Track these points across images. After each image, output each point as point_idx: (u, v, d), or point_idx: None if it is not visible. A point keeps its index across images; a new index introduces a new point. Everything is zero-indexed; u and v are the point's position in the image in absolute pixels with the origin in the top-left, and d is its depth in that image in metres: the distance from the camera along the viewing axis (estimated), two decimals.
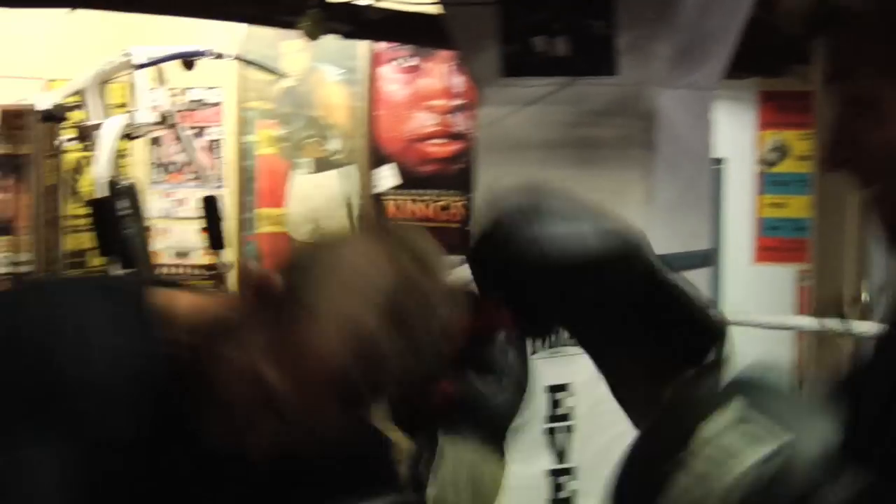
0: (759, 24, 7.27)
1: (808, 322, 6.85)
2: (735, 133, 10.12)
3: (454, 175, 8.05)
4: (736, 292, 9.85)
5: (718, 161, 9.96)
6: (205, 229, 7.98)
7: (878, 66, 1.82)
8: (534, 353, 4.42)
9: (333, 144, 8.84)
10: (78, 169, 9.08)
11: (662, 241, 4.98)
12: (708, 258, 5.38)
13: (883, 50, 1.85)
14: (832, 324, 6.04)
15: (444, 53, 7.47)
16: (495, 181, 5.15)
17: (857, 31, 1.87)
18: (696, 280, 5.23)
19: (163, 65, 7.74)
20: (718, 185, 9.93)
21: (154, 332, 2.00)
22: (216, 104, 9.33)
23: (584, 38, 4.87)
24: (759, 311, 9.09)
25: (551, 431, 4.63)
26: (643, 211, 4.95)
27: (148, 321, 2.02)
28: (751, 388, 1.71)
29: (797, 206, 8.68)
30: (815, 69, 6.94)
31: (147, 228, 7.96)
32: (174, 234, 9.44)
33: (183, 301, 2.08)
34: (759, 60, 8.91)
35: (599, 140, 5.00)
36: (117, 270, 7.18)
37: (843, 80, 1.82)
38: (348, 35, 7.23)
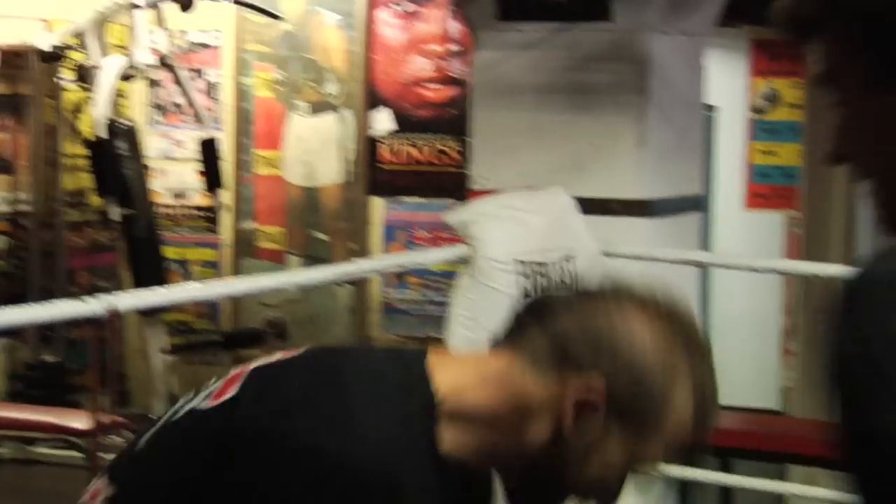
0: None
1: (797, 266, 6.92)
2: (727, 80, 10.15)
3: (451, 119, 8.05)
4: (727, 237, 9.91)
5: (711, 108, 10.00)
6: (202, 172, 8.00)
7: (857, 75, 1.86)
8: (525, 293, 4.51)
9: (330, 88, 8.81)
10: (77, 109, 9.06)
11: (654, 185, 5.08)
12: (699, 203, 5.44)
13: (862, 58, 1.90)
14: (820, 269, 6.11)
15: None
16: (490, 125, 5.23)
17: (838, 37, 1.92)
18: (688, 224, 5.31)
19: (162, 7, 7.74)
20: (710, 132, 9.96)
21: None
22: (214, 47, 9.32)
23: None
24: (750, 256, 9.17)
25: None
26: (636, 155, 5.00)
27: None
28: None
29: (788, 154, 8.72)
30: None
31: (146, 168, 7.96)
32: (172, 175, 9.41)
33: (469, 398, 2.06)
34: (752, 8, 8.94)
35: (593, 85, 5.05)
36: (115, 210, 7.20)
37: (829, 86, 1.86)
38: None
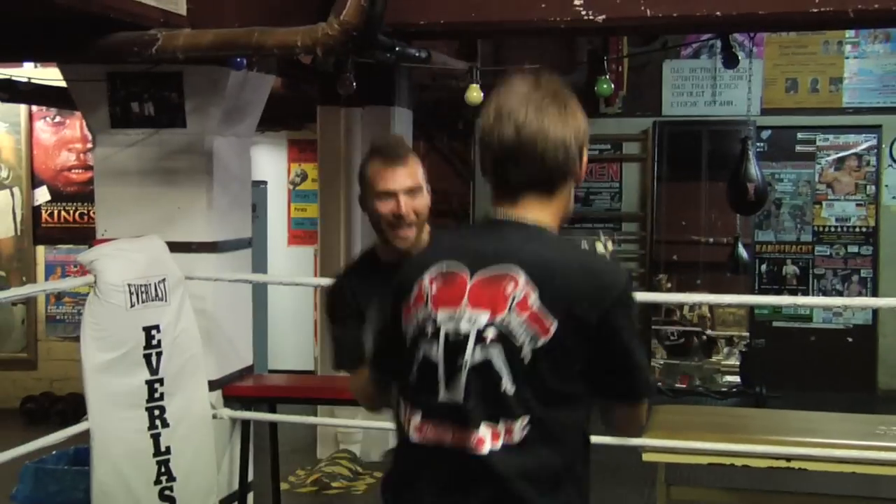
0: (287, 100, 7.45)
1: (319, 280, 7.08)
2: (274, 164, 10.33)
3: (90, 192, 7.88)
4: (279, 264, 10.03)
5: (264, 183, 10.08)
6: None
7: None
8: (131, 305, 4.45)
9: (3, 173, 8.61)
10: None
11: (220, 232, 5.09)
12: (250, 242, 5.46)
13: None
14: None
15: (79, 112, 7.26)
16: (109, 195, 5.14)
17: None
18: (243, 256, 5.33)
19: None
20: (265, 197, 10.05)
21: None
22: None
23: (163, 104, 4.88)
24: (294, 275, 9.31)
25: (147, 355, 4.62)
26: (206, 213, 5.01)
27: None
28: None
29: (312, 210, 8.93)
30: (318, 125, 7.14)
31: None
32: None
33: None
34: (287, 120, 9.09)
35: (177, 169, 5.02)
36: None
37: None
38: (9, 100, 7.00)
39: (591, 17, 4.08)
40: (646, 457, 4.39)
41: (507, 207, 2.08)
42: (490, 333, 1.97)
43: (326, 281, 6.66)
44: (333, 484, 6.54)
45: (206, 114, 4.91)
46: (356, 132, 6.97)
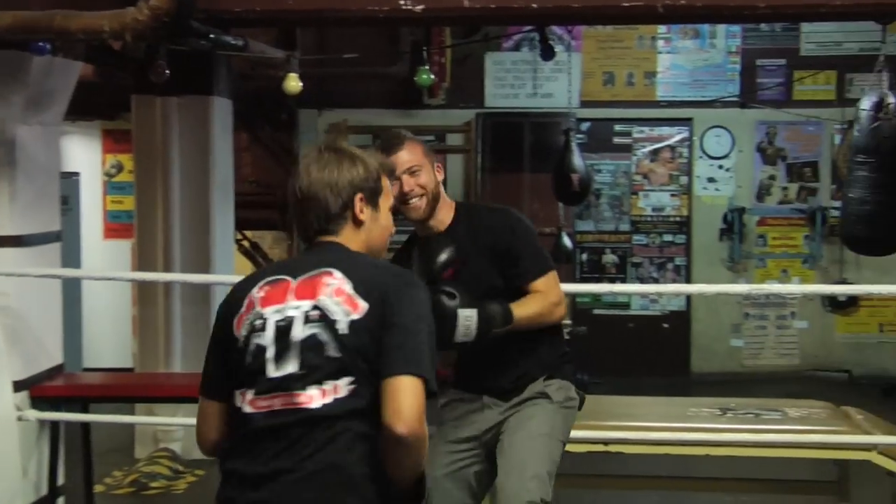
0: (100, 88, 7.19)
1: (135, 275, 6.87)
2: (88, 155, 9.99)
3: None
4: (94, 259, 9.72)
5: (76, 174, 9.73)
6: None
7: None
8: None
9: None
10: None
11: (25, 226, 4.87)
12: (59, 235, 5.23)
13: None
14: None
15: None
16: None
17: None
18: (51, 249, 5.11)
19: None
20: (77, 189, 9.70)
21: None
22: None
23: None
24: (111, 269, 8.99)
25: None
26: (9, 206, 4.78)
27: None
28: None
29: (130, 203, 8.62)
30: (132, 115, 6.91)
31: None
32: None
33: None
34: (101, 109, 8.80)
35: None
36: None
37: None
38: None
39: (409, 7, 4.07)
40: None
41: (322, 236, 2.56)
42: (314, 314, 2.38)
43: (144, 276, 6.55)
44: (152, 484, 6.36)
45: (6, 101, 4.68)
46: (173, 122, 6.76)
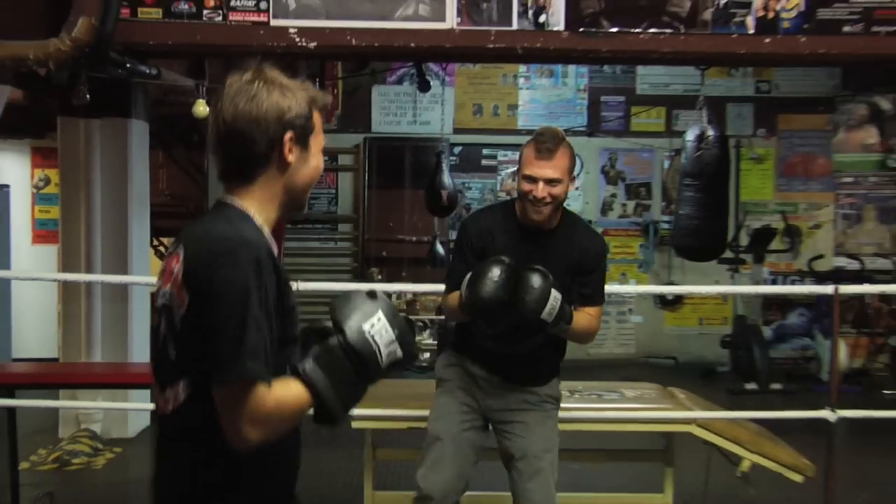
0: (29, 110, 6.93)
1: (59, 275, 6.66)
2: (18, 170, 9.65)
3: None
4: (23, 261, 9.39)
5: (7, 186, 9.38)
6: None
7: None
8: None
9: None
10: None
11: None
12: None
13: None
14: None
15: None
16: None
17: None
18: None
19: None
20: (7, 200, 9.36)
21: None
22: None
23: None
24: (38, 271, 8.67)
25: None
26: None
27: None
28: None
29: (55, 212, 8.30)
30: (58, 135, 6.69)
31: None
32: None
33: None
34: (30, 129, 8.51)
35: None
36: None
37: None
38: None
39: (304, 44, 4.02)
40: (355, 424, 4.36)
41: (224, 192, 1.95)
42: (165, 303, 1.86)
43: (68, 276, 6.36)
44: (74, 461, 6.15)
45: None
46: (95, 141, 6.60)
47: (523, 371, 3.39)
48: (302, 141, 1.94)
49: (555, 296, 2.99)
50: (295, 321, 1.95)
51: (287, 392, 1.81)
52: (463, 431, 3.41)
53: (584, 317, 3.21)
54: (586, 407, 4.39)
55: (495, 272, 3.01)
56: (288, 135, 1.91)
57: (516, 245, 3.20)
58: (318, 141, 1.99)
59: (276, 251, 1.93)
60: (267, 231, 1.94)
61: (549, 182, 3.09)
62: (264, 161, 1.92)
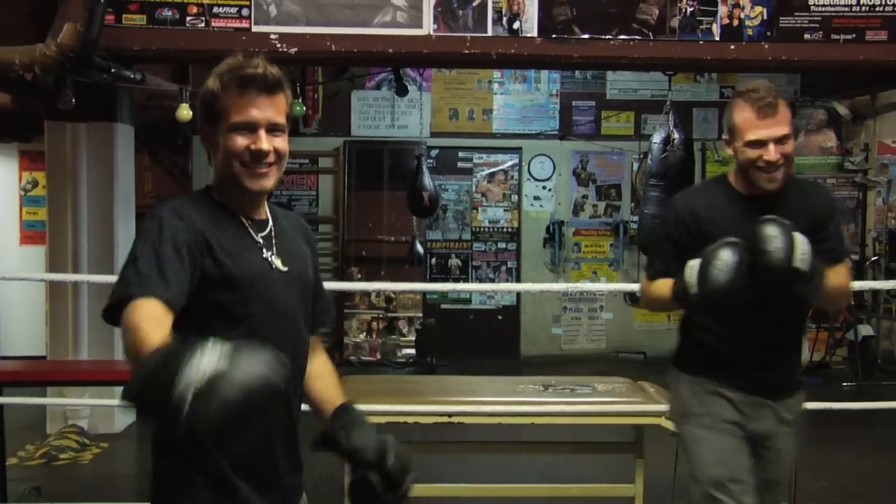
0: (16, 114, 6.85)
1: (46, 275, 6.59)
2: (6, 173, 9.56)
3: None
4: (11, 262, 9.30)
5: None
6: None
7: None
8: None
9: None
10: None
11: None
12: None
13: None
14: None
15: None
16: None
17: None
18: None
19: None
20: None
21: None
22: None
23: None
24: (26, 271, 8.57)
25: None
26: None
27: None
28: None
29: (43, 213, 8.22)
30: (46, 138, 6.62)
31: None
32: None
33: None
34: (18, 133, 8.43)
35: None
36: None
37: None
38: None
39: (285, 50, 3.99)
40: None
41: None
42: None
43: (55, 276, 6.29)
44: (61, 456, 6.08)
45: None
46: (81, 145, 6.53)
47: (778, 377, 2.84)
48: (210, 121, 1.93)
49: (801, 238, 2.51)
50: (249, 298, 1.90)
51: (145, 332, 1.69)
52: (750, 477, 2.83)
53: (837, 273, 2.72)
54: (559, 401, 4.39)
55: (726, 256, 2.53)
56: (203, 116, 1.95)
57: (744, 221, 2.63)
58: (229, 120, 1.90)
59: (226, 222, 1.94)
60: (232, 206, 1.97)
61: (780, 141, 2.62)
62: (204, 143, 1.98)
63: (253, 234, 1.98)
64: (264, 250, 1.98)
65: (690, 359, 2.99)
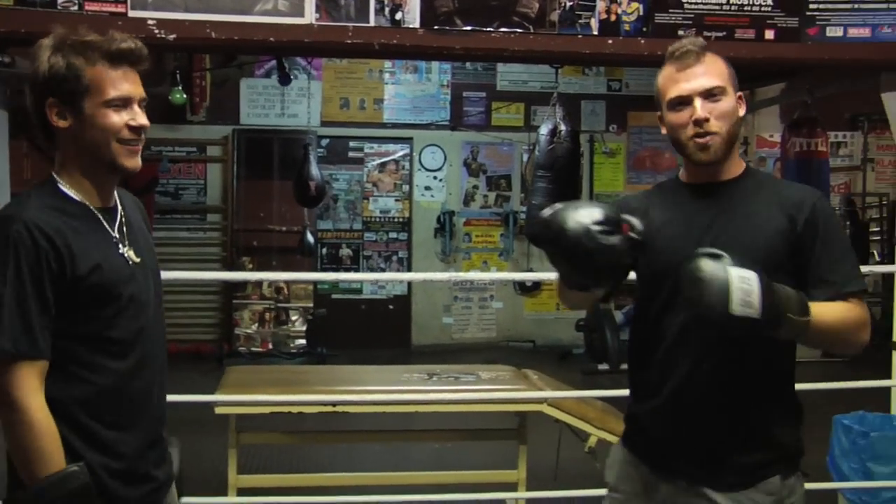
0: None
1: None
2: None
3: None
4: None
5: None
6: None
7: None
8: None
9: None
10: None
11: None
12: None
13: None
14: None
15: None
16: None
17: None
18: None
19: None
20: None
21: None
22: None
23: None
24: None
25: None
26: None
27: None
28: None
29: None
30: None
31: None
32: None
33: None
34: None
35: None
36: None
37: None
38: None
39: (163, 36, 3.89)
40: (218, 410, 4.28)
41: None
42: None
43: None
44: None
45: None
46: None
47: (717, 459, 2.02)
48: (71, 103, 1.84)
49: (740, 275, 1.81)
50: (118, 309, 1.88)
51: (37, 421, 1.75)
52: None
53: (831, 310, 1.94)
54: (442, 389, 4.43)
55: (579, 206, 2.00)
56: (49, 100, 1.85)
57: (684, 216, 2.08)
58: (103, 97, 1.84)
59: (94, 216, 1.89)
60: (84, 196, 1.89)
61: (708, 95, 2.03)
62: (47, 130, 1.88)
63: (108, 228, 1.92)
64: (120, 245, 1.93)
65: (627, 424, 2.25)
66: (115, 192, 1.99)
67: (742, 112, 2.09)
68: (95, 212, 1.91)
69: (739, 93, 2.10)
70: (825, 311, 1.92)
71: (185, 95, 6.33)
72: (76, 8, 3.76)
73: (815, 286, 1.97)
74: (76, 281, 1.81)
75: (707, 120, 2.01)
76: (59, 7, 3.74)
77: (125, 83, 1.87)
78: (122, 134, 1.87)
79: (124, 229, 1.96)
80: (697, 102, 2.02)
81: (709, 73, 2.05)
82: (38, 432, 1.73)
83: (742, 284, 1.80)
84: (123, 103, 1.87)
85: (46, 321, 1.77)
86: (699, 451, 2.02)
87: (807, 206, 2.01)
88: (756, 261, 1.88)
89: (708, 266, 1.84)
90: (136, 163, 1.91)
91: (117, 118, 1.85)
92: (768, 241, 2.00)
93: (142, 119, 1.88)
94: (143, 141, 1.92)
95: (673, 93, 2.06)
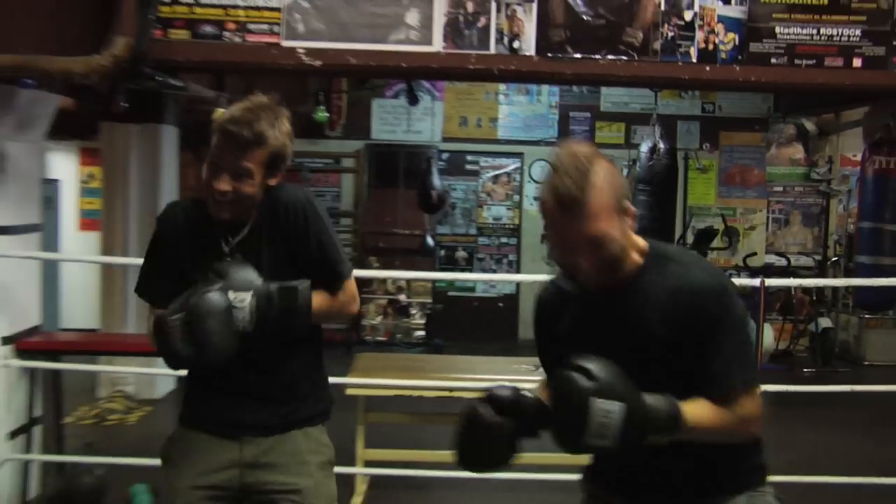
0: (78, 115, 6.92)
1: (101, 258, 6.65)
2: (68, 167, 9.62)
3: None
4: (71, 245, 9.38)
5: (57, 180, 9.35)
6: None
7: None
8: None
9: None
10: None
11: (10, 219, 4.64)
12: (38, 227, 4.99)
13: None
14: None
15: None
16: None
17: None
18: (31, 238, 4.86)
19: None
20: (57, 192, 9.34)
21: None
22: None
23: None
24: (83, 254, 8.63)
25: None
26: (2, 203, 4.54)
27: None
28: None
29: (98, 203, 8.25)
30: (102, 137, 6.69)
31: None
32: None
33: None
34: (79, 132, 8.47)
35: None
36: None
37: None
38: None
39: (310, 63, 4.03)
40: (349, 391, 4.39)
41: None
42: None
43: (108, 259, 6.36)
44: (110, 417, 6.19)
45: (1, 122, 4.45)
46: (132, 143, 6.69)
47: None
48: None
49: (602, 407, 1.58)
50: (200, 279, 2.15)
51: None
52: None
53: (714, 414, 1.71)
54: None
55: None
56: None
57: (581, 322, 1.90)
58: (210, 156, 2.09)
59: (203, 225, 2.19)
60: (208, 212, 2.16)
61: (594, 244, 1.72)
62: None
63: (221, 241, 2.19)
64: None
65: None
66: (259, 210, 2.22)
67: (631, 222, 1.75)
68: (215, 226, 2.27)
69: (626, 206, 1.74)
70: (706, 416, 1.69)
71: (327, 114, 6.51)
72: (239, 40, 3.92)
73: (705, 384, 1.71)
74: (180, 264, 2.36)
75: (587, 271, 1.73)
76: (224, 39, 3.91)
77: (222, 154, 2.11)
78: (208, 189, 2.13)
79: (245, 243, 2.24)
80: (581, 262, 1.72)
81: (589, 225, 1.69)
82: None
83: (601, 419, 1.58)
84: (215, 168, 2.10)
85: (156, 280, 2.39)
86: (658, 491, 1.84)
87: (702, 301, 1.72)
88: (644, 361, 1.70)
89: (572, 385, 1.61)
90: (218, 215, 2.15)
91: (207, 176, 2.11)
92: (658, 342, 1.73)
93: (221, 185, 2.08)
94: (235, 201, 2.11)
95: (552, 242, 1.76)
